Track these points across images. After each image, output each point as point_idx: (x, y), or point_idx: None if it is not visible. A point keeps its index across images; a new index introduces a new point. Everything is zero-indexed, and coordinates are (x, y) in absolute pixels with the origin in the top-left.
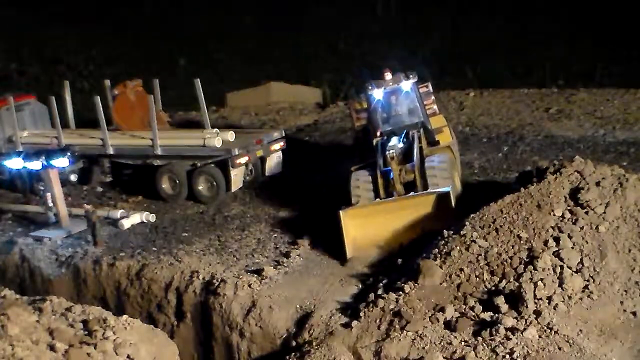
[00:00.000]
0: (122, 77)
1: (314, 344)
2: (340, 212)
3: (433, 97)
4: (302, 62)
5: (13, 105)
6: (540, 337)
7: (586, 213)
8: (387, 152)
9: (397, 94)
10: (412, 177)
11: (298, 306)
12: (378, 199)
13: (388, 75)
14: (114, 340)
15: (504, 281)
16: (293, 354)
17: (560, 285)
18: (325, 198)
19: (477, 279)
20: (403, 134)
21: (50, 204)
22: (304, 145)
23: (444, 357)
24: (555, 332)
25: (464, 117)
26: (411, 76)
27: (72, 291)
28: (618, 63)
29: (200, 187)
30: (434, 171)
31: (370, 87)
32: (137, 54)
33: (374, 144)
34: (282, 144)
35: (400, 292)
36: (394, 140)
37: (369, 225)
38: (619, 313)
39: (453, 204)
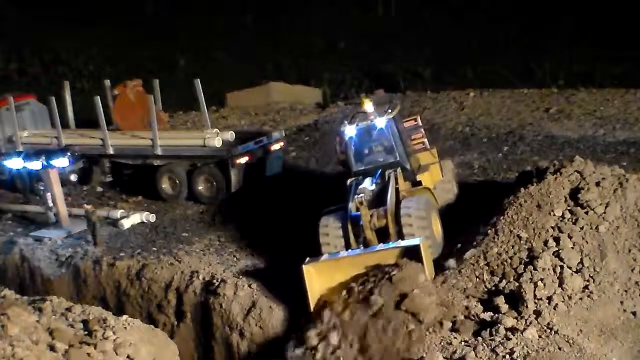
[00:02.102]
0: (122, 77)
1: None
2: (303, 266)
3: (423, 132)
4: (302, 62)
5: (13, 105)
6: (540, 337)
7: (586, 213)
8: (356, 196)
9: (372, 131)
10: (384, 223)
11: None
12: (343, 252)
13: (369, 106)
14: (114, 340)
15: (504, 281)
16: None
17: (560, 285)
18: (324, 198)
19: (477, 279)
20: (377, 175)
21: (50, 204)
22: (304, 145)
23: (444, 357)
24: (555, 332)
25: (464, 117)
26: (390, 110)
27: (72, 291)
28: (618, 63)
29: (200, 187)
30: (409, 219)
31: (342, 124)
32: (137, 54)
33: (347, 184)
34: (282, 144)
35: None
36: (366, 182)
37: (335, 279)
38: (619, 313)
39: (424, 256)
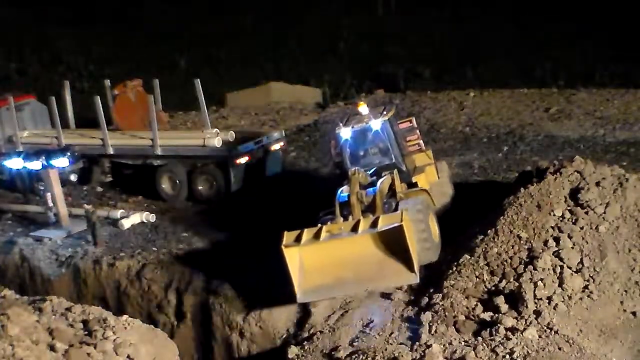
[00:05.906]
0: (122, 77)
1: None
2: (283, 248)
3: (418, 133)
4: (302, 62)
5: (13, 105)
6: (540, 337)
7: (586, 213)
8: (350, 169)
9: (367, 133)
10: (370, 201)
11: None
12: (324, 235)
13: (363, 109)
14: (114, 340)
15: (504, 281)
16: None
17: (560, 285)
18: (323, 197)
19: (477, 279)
20: (371, 171)
21: (50, 204)
22: (304, 145)
23: (444, 357)
24: (555, 332)
25: (464, 117)
26: (385, 112)
27: (72, 291)
28: (618, 63)
29: (200, 187)
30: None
31: (337, 126)
32: (137, 54)
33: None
34: (282, 144)
35: None
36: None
37: (319, 262)
38: (619, 313)
39: (407, 237)
